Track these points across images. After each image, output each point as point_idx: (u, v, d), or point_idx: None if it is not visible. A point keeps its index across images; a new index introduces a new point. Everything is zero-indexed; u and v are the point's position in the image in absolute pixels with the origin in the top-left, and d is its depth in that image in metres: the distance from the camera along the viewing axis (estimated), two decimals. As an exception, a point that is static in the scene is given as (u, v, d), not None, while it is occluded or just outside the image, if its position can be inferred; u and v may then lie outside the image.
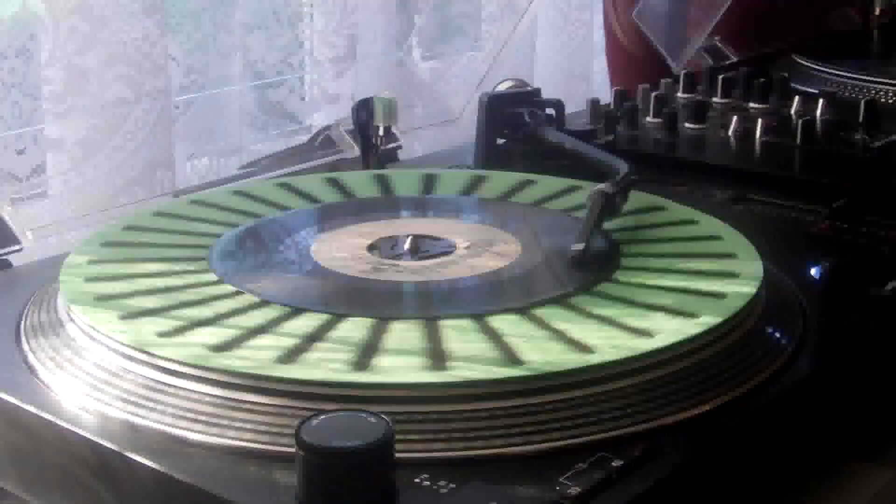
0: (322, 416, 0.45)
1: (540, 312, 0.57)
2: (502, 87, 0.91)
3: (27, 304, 0.62)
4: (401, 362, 0.51)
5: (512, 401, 0.49)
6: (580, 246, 0.64)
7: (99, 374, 0.53)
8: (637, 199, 0.73)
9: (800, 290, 0.64)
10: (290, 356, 0.52)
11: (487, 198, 0.76)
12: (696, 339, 0.54)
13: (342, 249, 0.66)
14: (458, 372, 0.50)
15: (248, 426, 0.49)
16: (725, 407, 0.52)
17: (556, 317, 0.56)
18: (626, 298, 0.59)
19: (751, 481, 0.53)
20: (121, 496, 0.49)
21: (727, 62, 1.29)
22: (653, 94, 1.03)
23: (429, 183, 0.79)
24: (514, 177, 0.80)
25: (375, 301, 0.60)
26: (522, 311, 0.57)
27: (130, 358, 0.53)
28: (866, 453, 0.59)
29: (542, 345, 0.53)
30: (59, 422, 0.51)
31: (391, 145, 0.92)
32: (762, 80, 1.08)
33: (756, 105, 1.06)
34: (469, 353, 0.52)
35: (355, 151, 0.93)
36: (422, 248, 0.67)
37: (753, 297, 0.59)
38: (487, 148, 0.87)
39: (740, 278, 0.61)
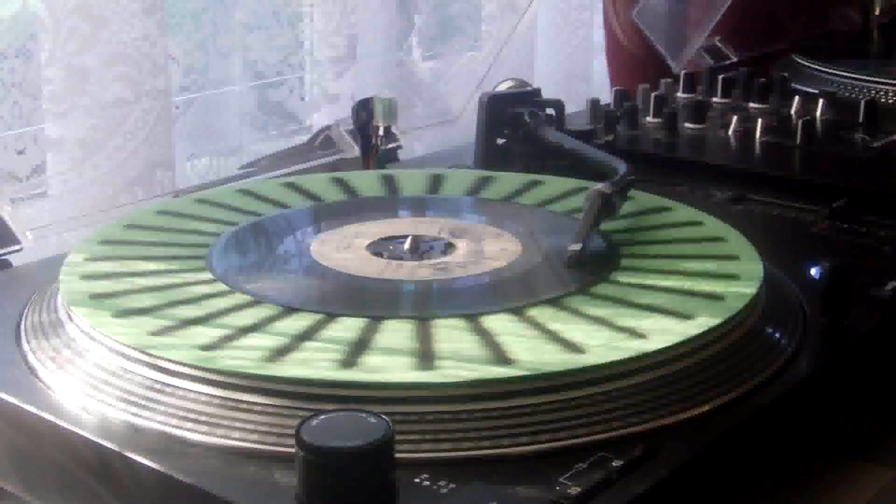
0: (322, 416, 0.45)
1: (540, 312, 0.57)
2: (502, 87, 0.91)
3: (27, 304, 0.62)
4: (401, 362, 0.51)
5: (511, 401, 0.49)
6: (577, 246, 0.64)
7: (99, 375, 0.53)
8: (637, 198, 0.73)
9: (800, 290, 0.64)
10: (291, 356, 0.52)
11: (491, 198, 0.76)
12: (696, 340, 0.54)
13: (342, 249, 0.66)
14: (459, 372, 0.50)
15: (248, 426, 0.48)
16: (725, 407, 0.52)
17: (556, 317, 0.56)
18: (626, 299, 0.59)
19: (751, 481, 0.53)
20: (121, 496, 0.49)
21: (727, 62, 1.29)
22: (653, 94, 1.03)
23: (435, 183, 0.79)
24: (521, 177, 0.80)
25: (376, 301, 0.60)
26: (522, 311, 0.57)
27: (130, 358, 0.53)
28: (866, 453, 0.59)
29: (542, 345, 0.53)
30: (59, 422, 0.51)
31: (391, 145, 0.92)
32: (762, 80, 1.08)
33: (756, 105, 1.06)
34: (469, 354, 0.52)
35: (355, 151, 0.93)
36: (422, 248, 0.67)
37: (754, 297, 0.59)
38: (487, 148, 0.87)
39: (740, 278, 0.61)
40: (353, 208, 0.74)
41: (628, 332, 0.55)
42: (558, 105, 0.88)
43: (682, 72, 1.15)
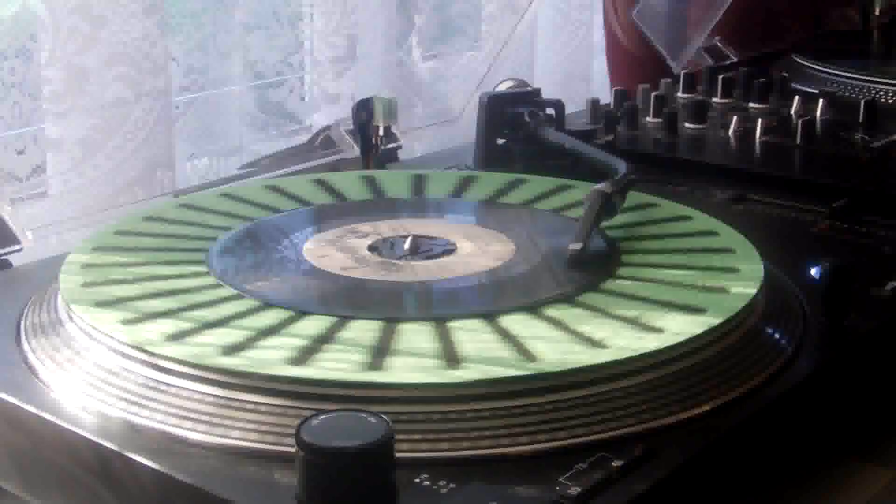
0: (322, 416, 0.45)
1: (539, 312, 0.57)
2: (502, 87, 0.91)
3: (27, 304, 0.62)
4: (401, 362, 0.51)
5: (512, 401, 0.49)
6: (578, 245, 0.64)
7: (99, 374, 0.53)
8: (636, 198, 0.73)
9: (800, 290, 0.64)
10: (291, 356, 0.52)
11: (476, 198, 0.76)
12: (696, 339, 0.54)
13: (341, 250, 0.66)
14: (459, 372, 0.50)
15: (248, 426, 0.48)
16: (726, 407, 0.52)
17: (556, 317, 0.56)
18: (625, 298, 0.59)
19: (751, 481, 0.53)
20: (121, 496, 0.49)
21: (727, 62, 1.29)
22: (653, 94, 1.03)
23: (418, 184, 0.79)
24: (505, 177, 0.80)
25: (374, 301, 0.60)
26: (522, 310, 0.57)
27: (130, 357, 0.53)
28: (866, 453, 0.59)
29: (541, 345, 0.53)
30: (59, 422, 0.51)
31: (391, 145, 0.92)
32: (762, 80, 1.08)
33: (756, 105, 1.06)
34: (469, 353, 0.52)
35: (355, 151, 0.93)
36: (422, 248, 0.66)
37: (754, 297, 0.59)
38: (487, 148, 0.87)
39: (740, 278, 0.61)
40: (349, 210, 0.74)
41: (628, 333, 0.55)
42: (558, 105, 0.88)
43: (682, 72, 1.15)
